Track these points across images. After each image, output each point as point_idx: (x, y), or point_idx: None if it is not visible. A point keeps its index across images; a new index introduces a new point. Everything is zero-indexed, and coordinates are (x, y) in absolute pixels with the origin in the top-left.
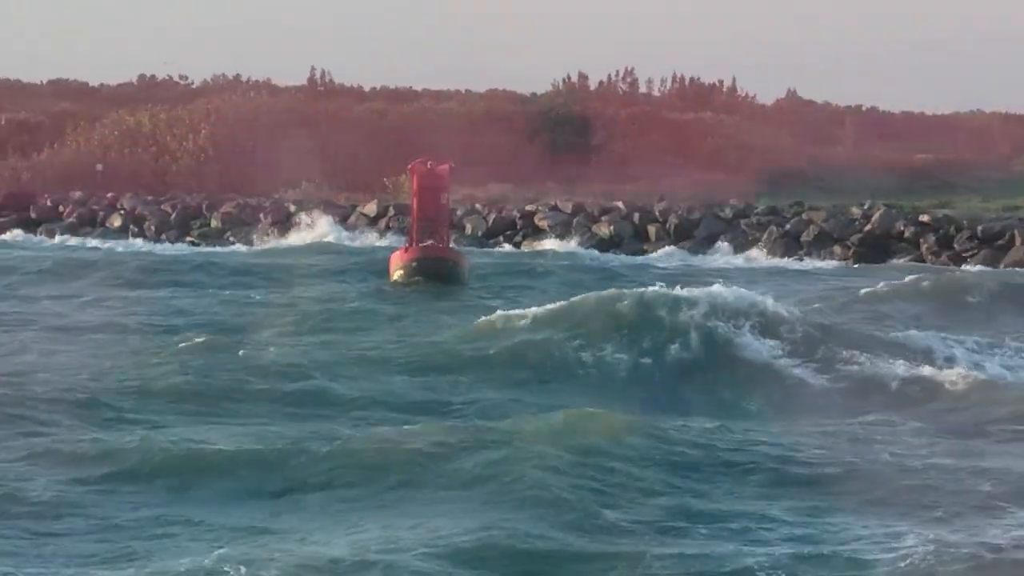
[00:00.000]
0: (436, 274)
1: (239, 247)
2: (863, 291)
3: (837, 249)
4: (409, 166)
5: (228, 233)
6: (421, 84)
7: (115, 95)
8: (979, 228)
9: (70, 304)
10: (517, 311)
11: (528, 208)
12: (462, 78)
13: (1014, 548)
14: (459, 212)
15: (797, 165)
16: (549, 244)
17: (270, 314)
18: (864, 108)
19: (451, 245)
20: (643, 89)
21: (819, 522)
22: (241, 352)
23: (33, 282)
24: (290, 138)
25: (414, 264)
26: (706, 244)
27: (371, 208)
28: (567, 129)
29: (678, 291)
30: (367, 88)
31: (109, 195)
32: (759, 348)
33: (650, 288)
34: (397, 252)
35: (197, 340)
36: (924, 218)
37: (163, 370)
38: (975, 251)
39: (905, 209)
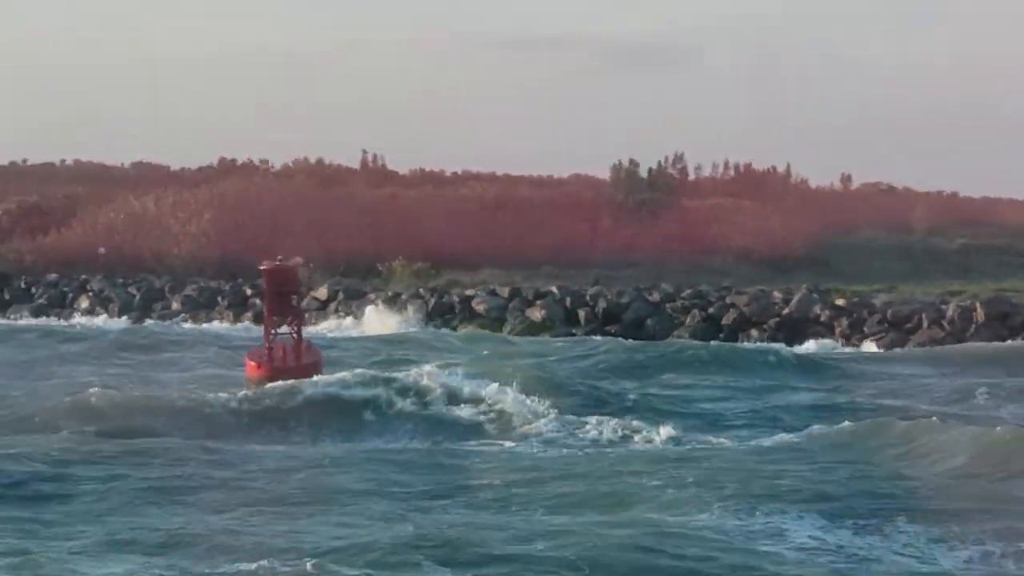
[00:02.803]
0: None
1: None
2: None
3: (754, 332)
4: (261, 266)
5: (186, 315)
6: (462, 167)
7: (195, 178)
8: (888, 312)
9: None
10: None
11: (468, 292)
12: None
13: None
14: (404, 296)
15: (813, 250)
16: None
17: None
18: (945, 194)
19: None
20: (692, 176)
21: None
22: None
23: None
24: (291, 222)
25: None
26: (633, 327)
27: (322, 292)
28: (573, 216)
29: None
30: (412, 171)
31: (82, 277)
32: None
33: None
34: (252, 363)
35: None
36: (840, 302)
37: None
38: (884, 334)
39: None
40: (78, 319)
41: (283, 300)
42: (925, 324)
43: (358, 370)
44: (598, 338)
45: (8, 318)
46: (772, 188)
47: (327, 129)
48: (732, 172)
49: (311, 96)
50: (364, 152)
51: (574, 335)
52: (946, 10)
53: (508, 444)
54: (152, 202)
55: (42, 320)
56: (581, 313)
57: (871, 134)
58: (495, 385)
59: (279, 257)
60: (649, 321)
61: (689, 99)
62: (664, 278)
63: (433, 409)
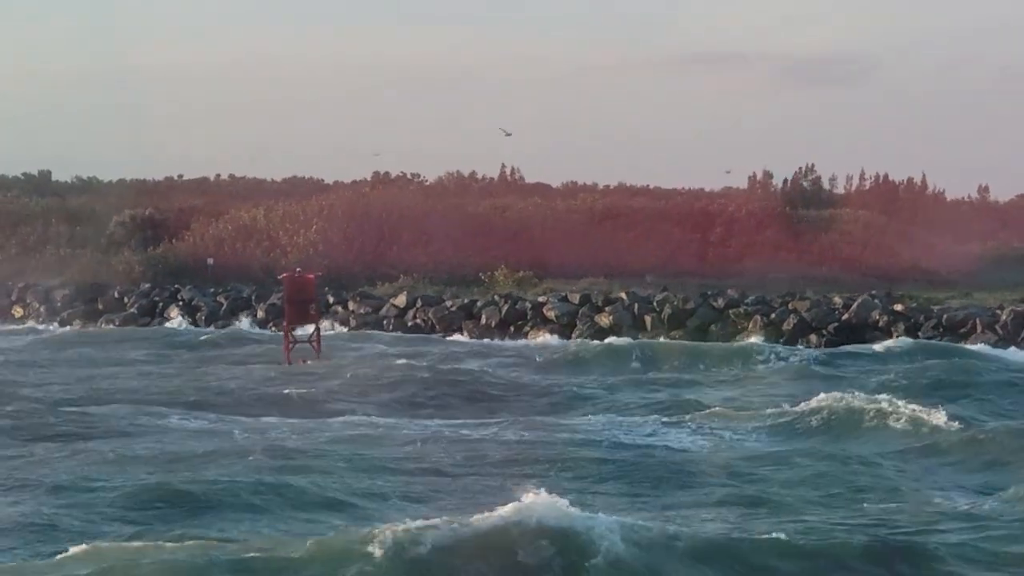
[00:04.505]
0: None
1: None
2: None
3: (813, 337)
4: (280, 276)
5: (271, 322)
6: (618, 180)
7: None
8: (944, 317)
9: None
10: None
11: (540, 299)
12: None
13: None
14: (479, 304)
15: (923, 260)
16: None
17: None
18: None
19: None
20: (827, 187)
21: None
22: None
23: None
24: (399, 234)
25: None
26: (698, 333)
27: (401, 300)
28: (684, 227)
29: None
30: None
31: (174, 287)
32: None
33: None
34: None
35: None
36: (898, 307)
37: None
38: (939, 338)
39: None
40: (166, 326)
41: (301, 307)
42: (979, 328)
43: None
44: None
45: (98, 327)
46: (904, 200)
47: (491, 143)
48: (868, 184)
49: (478, 110)
50: (503, 165)
51: (638, 339)
52: None
53: None
54: (262, 214)
55: (129, 328)
56: (647, 319)
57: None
58: None
59: (298, 269)
60: (713, 327)
61: (855, 114)
62: (767, 288)
63: None
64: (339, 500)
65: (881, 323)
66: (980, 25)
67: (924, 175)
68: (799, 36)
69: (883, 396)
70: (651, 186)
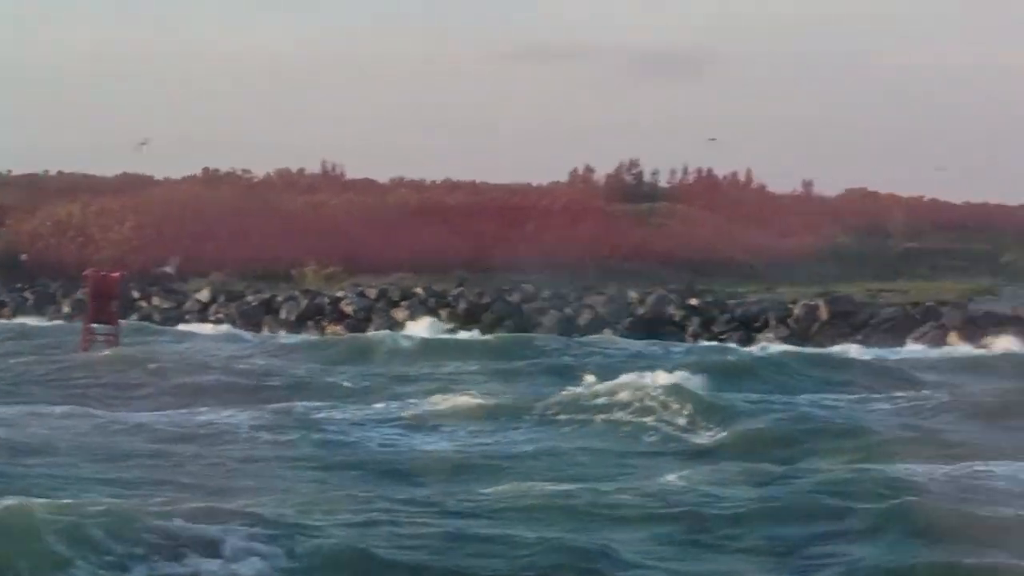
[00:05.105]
0: None
1: None
2: None
3: (608, 332)
4: (84, 273)
5: (75, 317)
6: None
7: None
8: (738, 311)
9: None
10: None
11: (337, 294)
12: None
13: None
14: (279, 298)
15: (735, 255)
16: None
17: None
18: (925, 199)
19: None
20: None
21: None
22: None
23: None
24: (214, 230)
25: None
26: (492, 326)
27: (204, 294)
28: (498, 222)
29: None
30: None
31: None
32: None
33: None
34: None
35: None
36: (693, 302)
37: None
38: (731, 333)
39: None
40: None
41: (103, 304)
42: (772, 323)
43: None
44: None
45: None
46: (726, 194)
47: (317, 138)
48: (692, 178)
49: (310, 104)
50: (323, 161)
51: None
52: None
53: None
54: (78, 210)
55: None
56: (443, 313)
57: (877, 141)
58: None
59: (103, 270)
60: (507, 321)
61: (685, 108)
62: (576, 282)
63: None
64: None
65: (677, 318)
66: (809, 19)
67: (749, 170)
68: (629, 31)
69: (621, 393)
70: (477, 181)
